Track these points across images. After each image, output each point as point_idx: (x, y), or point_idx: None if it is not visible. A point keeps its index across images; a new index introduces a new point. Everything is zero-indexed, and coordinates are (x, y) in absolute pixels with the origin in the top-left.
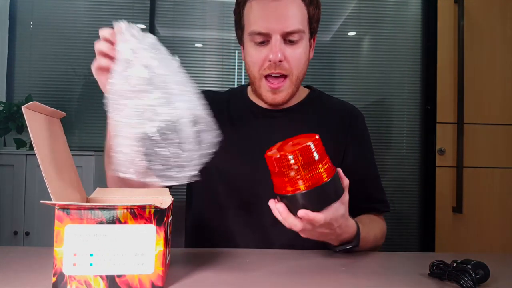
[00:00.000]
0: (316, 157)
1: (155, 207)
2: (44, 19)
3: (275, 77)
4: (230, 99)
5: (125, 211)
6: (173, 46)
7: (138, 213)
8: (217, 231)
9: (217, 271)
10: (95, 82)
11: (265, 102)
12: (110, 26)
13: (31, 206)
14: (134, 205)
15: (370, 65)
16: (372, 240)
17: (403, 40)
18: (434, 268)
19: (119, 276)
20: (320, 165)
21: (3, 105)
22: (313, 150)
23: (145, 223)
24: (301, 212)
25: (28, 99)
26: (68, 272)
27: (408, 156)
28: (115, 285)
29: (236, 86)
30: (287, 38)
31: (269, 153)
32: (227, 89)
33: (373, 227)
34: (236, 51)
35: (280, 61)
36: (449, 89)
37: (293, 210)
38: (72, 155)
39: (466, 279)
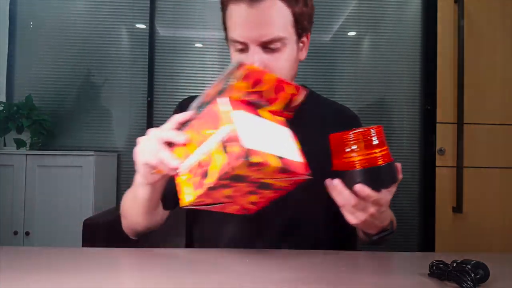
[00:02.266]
0: (375, 142)
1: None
2: (44, 19)
3: None
4: None
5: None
6: (173, 46)
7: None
8: (201, 235)
9: (214, 271)
10: (94, 82)
11: None
12: (110, 26)
13: (31, 206)
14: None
15: (370, 65)
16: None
17: (403, 40)
18: (434, 268)
19: (285, 157)
20: (378, 150)
21: (3, 105)
22: (373, 134)
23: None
24: (358, 186)
25: (28, 99)
26: (250, 146)
27: (408, 156)
28: (285, 165)
29: None
30: (267, 46)
31: (332, 133)
32: None
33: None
34: None
35: None
36: (449, 89)
37: (348, 187)
38: (72, 155)
39: (465, 279)
